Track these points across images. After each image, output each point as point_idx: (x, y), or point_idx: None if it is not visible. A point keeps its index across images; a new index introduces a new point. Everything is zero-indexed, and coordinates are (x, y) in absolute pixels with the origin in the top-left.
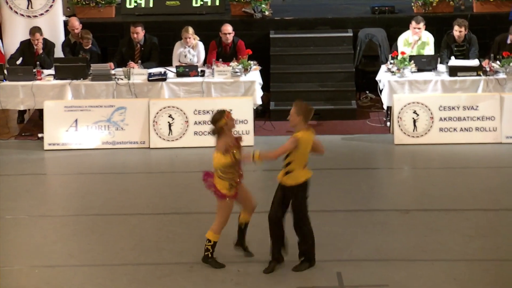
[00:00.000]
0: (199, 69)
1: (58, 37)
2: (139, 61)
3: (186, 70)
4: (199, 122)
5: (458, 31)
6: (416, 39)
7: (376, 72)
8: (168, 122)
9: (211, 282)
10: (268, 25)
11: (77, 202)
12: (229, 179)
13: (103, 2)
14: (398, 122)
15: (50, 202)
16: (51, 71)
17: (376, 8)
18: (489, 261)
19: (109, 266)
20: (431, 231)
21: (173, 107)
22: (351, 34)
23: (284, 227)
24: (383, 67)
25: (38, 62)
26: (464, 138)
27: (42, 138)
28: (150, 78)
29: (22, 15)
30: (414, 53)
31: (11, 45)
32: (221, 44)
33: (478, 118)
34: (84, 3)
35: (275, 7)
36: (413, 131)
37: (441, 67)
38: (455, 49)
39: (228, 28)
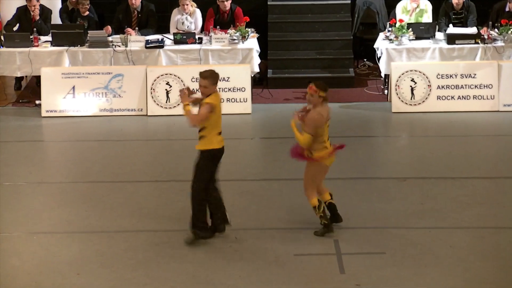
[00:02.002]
0: (197, 36)
1: (55, 4)
2: (136, 28)
3: (184, 37)
4: (197, 90)
5: None
6: (414, 7)
7: (374, 40)
8: (166, 89)
9: (209, 249)
10: None
11: (75, 169)
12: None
13: None
14: (396, 90)
15: (48, 169)
16: (48, 38)
17: None
18: (485, 229)
19: (107, 233)
20: (428, 199)
21: (170, 74)
22: (349, 1)
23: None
24: (381, 35)
25: (35, 29)
26: (461, 106)
27: (39, 105)
28: (147, 45)
29: None
30: (412, 21)
31: (8, 11)
32: (219, 11)
33: (475, 86)
34: None
35: None
36: (411, 99)
37: (439, 35)
38: (453, 16)
39: None
